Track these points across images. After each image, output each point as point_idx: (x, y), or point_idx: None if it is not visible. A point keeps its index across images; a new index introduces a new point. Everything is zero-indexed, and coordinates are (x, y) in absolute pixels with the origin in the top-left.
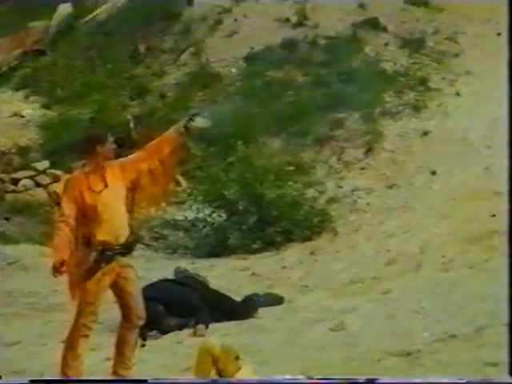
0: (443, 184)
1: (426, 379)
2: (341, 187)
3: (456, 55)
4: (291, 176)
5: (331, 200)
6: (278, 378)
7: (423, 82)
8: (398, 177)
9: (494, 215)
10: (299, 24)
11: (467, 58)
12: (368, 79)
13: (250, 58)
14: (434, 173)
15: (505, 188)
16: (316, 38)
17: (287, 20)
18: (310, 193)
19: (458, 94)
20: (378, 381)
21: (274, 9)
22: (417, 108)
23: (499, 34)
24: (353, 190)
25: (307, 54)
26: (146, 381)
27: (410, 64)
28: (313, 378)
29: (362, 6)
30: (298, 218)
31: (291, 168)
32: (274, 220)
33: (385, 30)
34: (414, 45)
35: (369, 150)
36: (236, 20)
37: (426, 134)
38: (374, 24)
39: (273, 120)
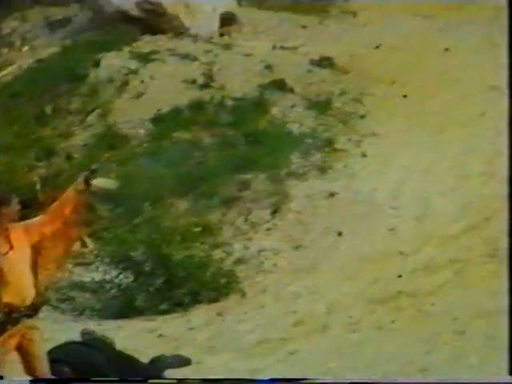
0: (349, 245)
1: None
2: (248, 248)
3: (362, 116)
4: (198, 237)
5: (238, 261)
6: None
7: (329, 143)
8: (304, 238)
9: (400, 276)
10: (206, 85)
11: (373, 119)
12: (275, 140)
13: (157, 119)
14: (340, 234)
15: (410, 248)
16: (223, 99)
17: (194, 81)
18: (217, 254)
19: (363, 155)
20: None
21: (181, 70)
22: (323, 169)
23: (405, 96)
24: (260, 251)
25: (214, 115)
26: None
27: (317, 125)
28: None
29: (268, 67)
30: (206, 279)
31: (198, 229)
32: (181, 281)
33: (291, 91)
34: (320, 106)
35: (275, 211)
36: (143, 81)
37: (332, 195)
38: (280, 85)
39: (180, 181)
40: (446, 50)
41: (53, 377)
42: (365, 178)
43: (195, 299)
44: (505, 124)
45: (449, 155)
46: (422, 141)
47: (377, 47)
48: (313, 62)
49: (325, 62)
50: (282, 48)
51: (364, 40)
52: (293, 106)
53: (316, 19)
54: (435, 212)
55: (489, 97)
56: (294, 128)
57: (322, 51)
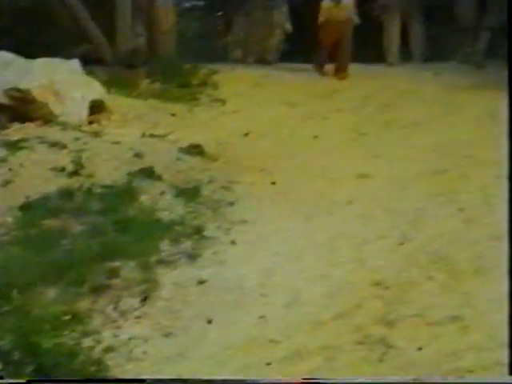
0: (219, 333)
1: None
2: (117, 336)
3: (231, 204)
4: (67, 325)
5: (108, 349)
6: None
7: (199, 230)
8: (174, 325)
9: (269, 363)
10: (75, 173)
11: (242, 206)
12: (144, 228)
13: (25, 207)
14: (210, 321)
15: (280, 336)
16: (92, 186)
17: (63, 169)
18: (87, 342)
19: (233, 243)
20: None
21: (50, 158)
22: (193, 256)
23: (273, 183)
24: (129, 339)
25: (83, 202)
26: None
27: (186, 213)
28: None
29: (137, 155)
30: (75, 367)
31: (67, 317)
32: (50, 370)
33: (160, 179)
34: (189, 193)
35: (145, 299)
36: (11, 169)
37: (201, 282)
38: (149, 173)
39: (49, 269)
40: (315, 137)
41: None
42: (234, 266)
43: None
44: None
45: (317, 242)
46: (290, 228)
47: (246, 135)
48: (182, 150)
49: (194, 150)
50: (151, 136)
51: (233, 128)
52: (162, 194)
53: (185, 107)
54: (305, 299)
55: (356, 184)
56: (163, 215)
57: (191, 139)
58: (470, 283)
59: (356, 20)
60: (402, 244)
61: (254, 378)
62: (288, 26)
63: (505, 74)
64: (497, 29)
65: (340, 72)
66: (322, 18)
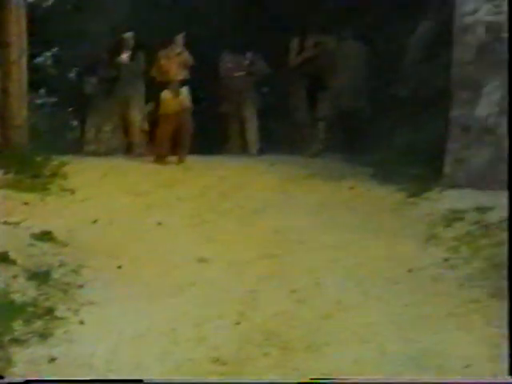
0: None
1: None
2: None
3: (80, 286)
4: None
5: None
6: None
7: (50, 311)
8: None
9: None
10: None
11: (90, 288)
12: None
13: None
14: None
15: None
16: None
17: None
18: None
19: (81, 323)
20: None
21: None
22: (44, 336)
23: (119, 267)
24: None
25: None
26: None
27: (38, 295)
28: None
29: None
30: None
31: None
32: None
33: (14, 263)
34: (41, 277)
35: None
36: None
37: (53, 359)
38: (4, 258)
39: None
40: (159, 224)
41: None
42: (83, 344)
43: None
44: None
45: (161, 322)
46: (136, 308)
47: (94, 222)
48: (34, 236)
49: (45, 236)
50: (6, 223)
51: (82, 215)
52: (15, 277)
53: (38, 196)
54: (149, 375)
55: (197, 268)
56: (17, 297)
57: (42, 226)
58: (301, 359)
59: (191, 107)
60: (238, 323)
61: None
62: (145, 124)
63: (338, 165)
64: (331, 121)
65: (180, 160)
66: (161, 110)
